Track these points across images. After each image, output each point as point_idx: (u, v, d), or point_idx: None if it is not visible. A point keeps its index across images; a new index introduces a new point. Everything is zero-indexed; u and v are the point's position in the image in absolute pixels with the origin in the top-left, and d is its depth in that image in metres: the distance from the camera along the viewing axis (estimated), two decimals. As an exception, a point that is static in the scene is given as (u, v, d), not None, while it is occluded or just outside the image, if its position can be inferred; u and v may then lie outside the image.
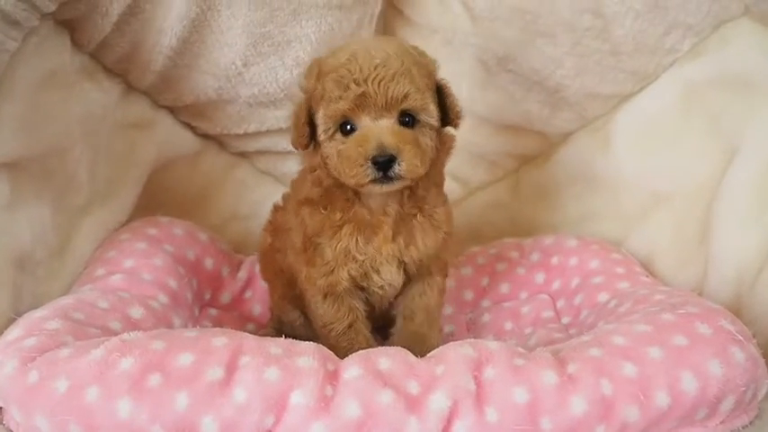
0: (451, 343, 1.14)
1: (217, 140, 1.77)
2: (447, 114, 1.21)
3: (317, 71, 1.18)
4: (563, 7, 1.51)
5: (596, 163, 1.74)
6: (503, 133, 1.80)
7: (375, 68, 1.11)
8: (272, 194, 1.82)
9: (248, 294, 1.62)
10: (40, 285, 1.33)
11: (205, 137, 1.75)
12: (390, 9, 1.69)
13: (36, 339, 1.09)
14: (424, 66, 1.18)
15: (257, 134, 1.73)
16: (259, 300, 1.60)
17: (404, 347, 1.14)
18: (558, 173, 1.81)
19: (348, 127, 1.15)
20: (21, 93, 1.26)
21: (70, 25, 1.37)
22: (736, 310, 1.35)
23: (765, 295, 1.38)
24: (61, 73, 1.36)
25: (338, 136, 1.16)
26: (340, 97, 1.12)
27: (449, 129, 1.24)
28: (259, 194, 1.82)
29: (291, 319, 1.44)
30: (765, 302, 1.37)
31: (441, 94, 1.19)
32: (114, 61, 1.48)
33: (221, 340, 1.06)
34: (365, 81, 1.11)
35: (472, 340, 1.13)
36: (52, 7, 1.25)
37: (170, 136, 1.67)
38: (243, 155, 1.82)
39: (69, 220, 1.42)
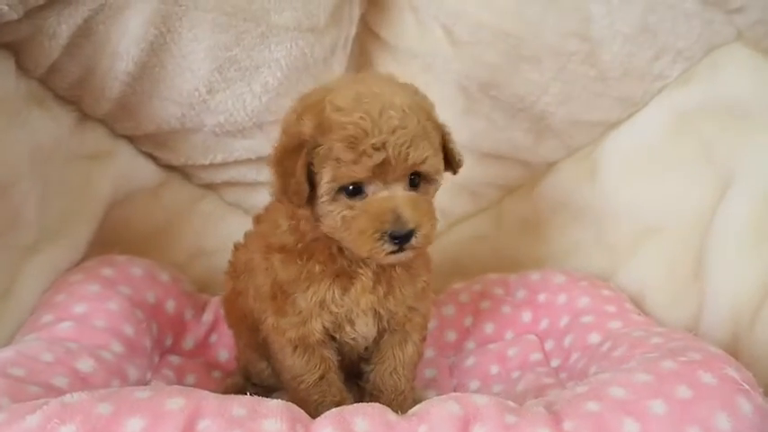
0: (434, 398, 1.03)
1: (181, 171, 1.66)
2: (448, 162, 1.11)
3: (316, 122, 1.02)
4: (548, 31, 1.44)
5: (582, 193, 1.66)
6: (485, 162, 1.71)
7: (394, 132, 0.99)
8: (241, 228, 1.68)
9: (213, 339, 1.50)
10: (-22, 333, 1.21)
11: (168, 167, 1.63)
12: (365, 32, 1.60)
13: (-33, 401, 0.97)
14: (431, 115, 1.07)
15: (224, 165, 1.62)
16: (225, 344, 1.48)
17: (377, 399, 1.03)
18: (543, 204, 1.73)
19: (351, 187, 1.03)
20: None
21: (14, 48, 1.26)
22: (734, 350, 1.28)
23: (765, 334, 1.30)
24: (5, 100, 1.25)
25: (342, 198, 1.03)
26: (354, 162, 0.99)
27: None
28: (226, 228, 1.70)
29: (258, 369, 1.32)
30: (766, 342, 1.29)
31: (443, 142, 1.09)
32: (66, 87, 1.37)
33: (177, 402, 0.94)
34: (384, 146, 0.99)
35: (457, 394, 1.03)
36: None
37: (130, 167, 1.55)
38: (209, 186, 1.70)
39: (13, 259, 1.30)
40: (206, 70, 1.39)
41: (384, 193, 1.02)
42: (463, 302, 1.55)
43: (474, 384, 1.39)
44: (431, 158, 1.03)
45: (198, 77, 1.40)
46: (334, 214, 1.04)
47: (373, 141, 0.99)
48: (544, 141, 1.65)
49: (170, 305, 1.45)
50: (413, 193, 1.04)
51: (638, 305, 1.49)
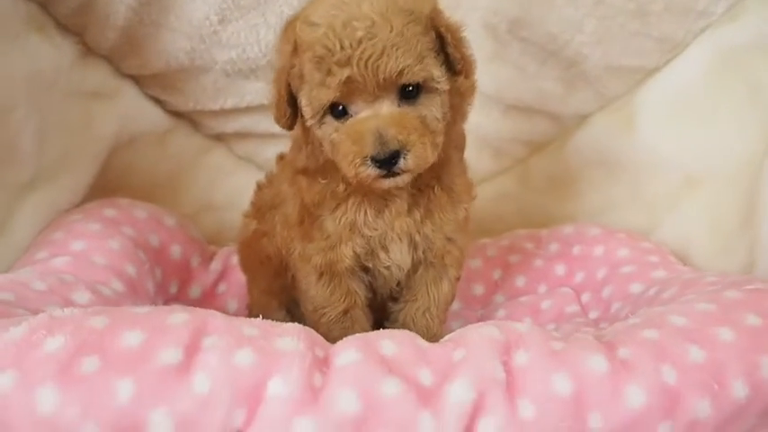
0: (470, 325, 0.92)
1: (189, 119, 1.56)
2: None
3: (293, 41, 0.95)
4: (586, -45, 1.33)
5: (618, 147, 1.55)
6: (511, 115, 1.60)
7: (359, 44, 0.88)
8: (253, 183, 1.61)
9: (222, 288, 1.40)
10: (-31, 269, 1.11)
11: (176, 114, 1.54)
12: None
13: (-52, 319, 0.86)
14: (419, 16, 0.92)
15: (235, 111, 1.52)
16: (234, 294, 1.38)
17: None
18: (574, 159, 1.62)
19: (340, 108, 0.93)
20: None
21: (11, -37, 1.17)
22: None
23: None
24: (1, 18, 1.15)
25: (329, 119, 0.95)
26: (322, 83, 0.91)
27: None
28: (237, 182, 1.61)
29: (275, 319, 1.20)
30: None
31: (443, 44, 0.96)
32: (68, 14, 1.27)
33: (180, 317, 0.83)
34: (348, 62, 0.88)
35: (496, 321, 0.92)
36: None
37: (135, 110, 1.46)
38: (219, 137, 1.61)
39: (10, 195, 1.20)
40: (219, -6, 1.30)
41: (366, 113, 0.92)
42: (491, 256, 1.45)
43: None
44: (412, 67, 0.90)
45: (209, 3, 1.31)
46: (325, 137, 0.95)
47: (336, 57, 0.89)
48: (576, 91, 1.54)
49: (175, 250, 1.35)
50: (400, 109, 0.92)
51: (682, 260, 1.38)
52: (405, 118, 0.92)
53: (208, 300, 1.37)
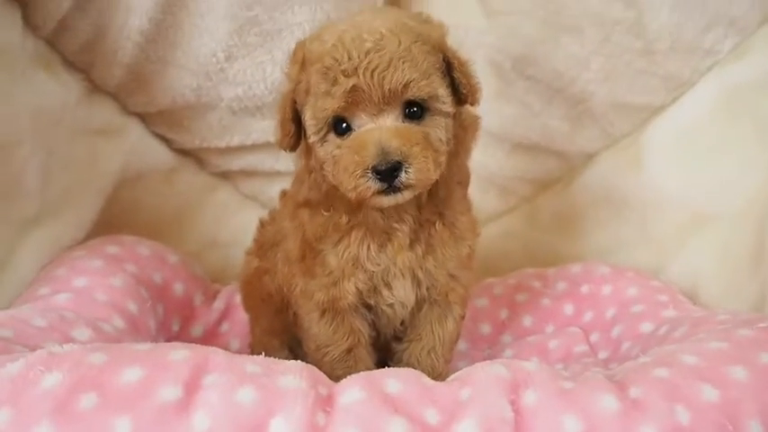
0: (477, 364, 0.90)
1: (195, 157, 1.56)
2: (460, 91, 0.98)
3: (301, 58, 0.97)
4: (591, -5, 1.34)
5: (625, 185, 1.54)
6: (517, 153, 1.60)
7: (367, 54, 0.89)
8: (256, 220, 1.61)
9: (224, 327, 1.38)
10: (-29, 304, 1.10)
11: (182, 152, 1.54)
12: (393, 2, 1.52)
13: (-55, 356, 0.84)
14: (428, 39, 0.94)
15: (241, 149, 1.53)
16: (237, 334, 1.36)
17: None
18: (581, 198, 1.61)
19: (344, 125, 0.93)
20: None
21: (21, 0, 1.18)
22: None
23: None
24: (9, 54, 1.17)
25: (331, 137, 0.94)
26: (328, 93, 0.91)
27: (469, 108, 1.03)
28: (242, 220, 1.60)
29: (279, 357, 1.18)
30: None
31: (449, 68, 0.96)
32: (76, 51, 1.29)
33: (181, 353, 0.81)
34: (355, 72, 0.89)
35: (503, 359, 0.90)
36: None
37: (141, 147, 1.46)
38: (224, 175, 1.61)
39: (13, 230, 1.20)
40: (225, 32, 1.31)
41: (370, 126, 0.92)
42: (497, 295, 1.42)
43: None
44: (417, 82, 0.90)
45: (216, 40, 1.32)
46: (327, 156, 0.95)
47: (343, 67, 0.89)
48: (582, 129, 1.53)
49: (178, 288, 1.33)
50: (406, 123, 0.92)
51: (691, 299, 1.36)
52: (408, 131, 0.91)
53: (210, 339, 1.35)
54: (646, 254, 1.50)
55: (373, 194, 0.91)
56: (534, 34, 1.40)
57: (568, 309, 1.38)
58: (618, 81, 1.44)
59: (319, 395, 0.79)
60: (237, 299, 1.39)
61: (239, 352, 1.31)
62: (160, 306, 1.27)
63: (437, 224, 1.02)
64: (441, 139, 0.94)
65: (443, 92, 0.94)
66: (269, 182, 1.62)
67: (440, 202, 1.02)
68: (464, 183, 1.08)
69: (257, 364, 0.83)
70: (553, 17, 1.36)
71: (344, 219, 1.00)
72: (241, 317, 1.35)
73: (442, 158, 0.94)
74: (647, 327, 1.22)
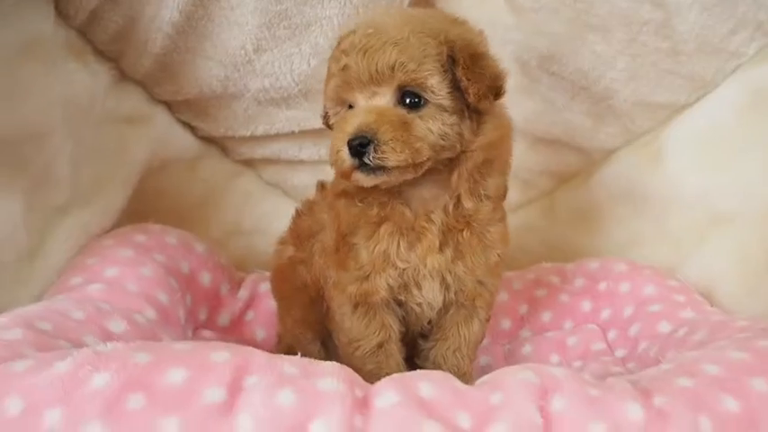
0: (505, 368, 0.92)
1: (219, 145, 1.58)
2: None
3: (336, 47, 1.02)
4: (620, -6, 1.34)
5: (645, 182, 1.55)
6: (539, 148, 1.61)
7: (366, 38, 0.95)
8: (281, 208, 1.63)
9: (250, 316, 1.40)
10: (4, 293, 1.12)
11: (206, 140, 1.56)
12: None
13: (-12, 351, 0.87)
14: (436, 34, 0.95)
15: (265, 138, 1.54)
16: (263, 323, 1.38)
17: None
18: (600, 193, 1.62)
19: (350, 107, 0.99)
20: (-5, 58, 1.07)
21: (55, -10, 1.19)
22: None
23: None
24: (43, 44, 1.17)
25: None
26: (333, 73, 0.99)
27: (502, 111, 1.05)
28: (265, 208, 1.63)
29: (308, 350, 1.21)
30: None
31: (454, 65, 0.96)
32: (106, 41, 1.29)
33: (222, 355, 0.84)
34: (350, 51, 0.95)
35: (531, 364, 0.92)
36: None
37: (167, 135, 1.47)
38: (248, 163, 1.62)
39: (44, 219, 1.21)
40: (254, 25, 1.31)
41: (362, 105, 0.97)
42: (517, 290, 1.45)
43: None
44: (405, 66, 0.93)
45: (245, 33, 1.32)
46: None
47: (343, 48, 0.96)
48: (604, 126, 1.55)
49: (205, 277, 1.35)
50: (394, 108, 0.95)
51: (707, 299, 1.37)
52: (388, 112, 0.94)
53: (236, 327, 1.38)
54: (663, 251, 1.51)
55: (351, 170, 0.95)
56: (561, 32, 1.39)
57: (586, 305, 1.40)
58: (642, 80, 1.44)
59: (356, 397, 0.82)
60: (262, 287, 1.42)
61: (265, 341, 1.36)
62: (188, 295, 1.29)
63: (465, 232, 1.04)
64: (431, 130, 0.95)
65: (437, 83, 0.95)
66: (292, 169, 1.64)
67: (466, 213, 1.04)
68: (495, 198, 1.07)
69: (294, 365, 0.86)
70: (581, 16, 1.36)
71: (375, 210, 1.02)
72: (266, 306, 1.38)
73: (425, 146, 0.94)
74: (664, 327, 1.24)
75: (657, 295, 1.33)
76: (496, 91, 0.99)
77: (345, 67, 0.95)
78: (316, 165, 1.60)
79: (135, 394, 0.77)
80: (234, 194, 1.61)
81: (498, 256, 1.08)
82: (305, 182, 1.63)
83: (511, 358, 1.33)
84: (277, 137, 1.54)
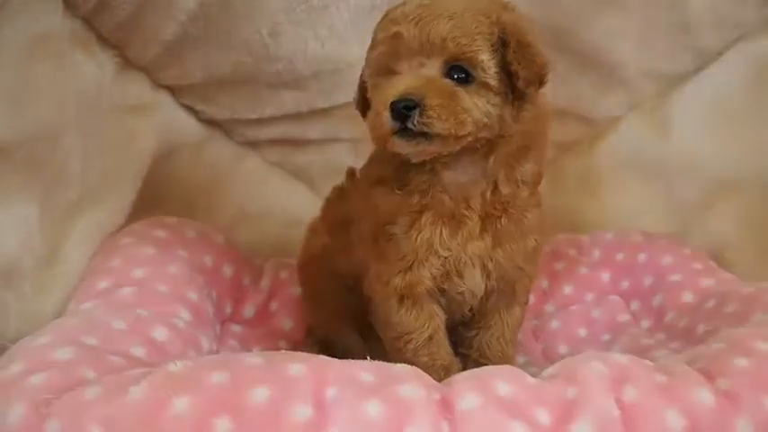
0: (570, 358, 0.93)
1: (222, 127, 1.52)
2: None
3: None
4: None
5: (650, 149, 1.57)
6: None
7: (420, 8, 0.93)
8: (284, 190, 1.59)
9: (274, 306, 1.37)
10: (28, 303, 1.07)
11: (210, 123, 1.50)
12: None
13: (45, 375, 0.83)
14: (489, 13, 0.94)
15: (271, 119, 1.49)
16: (288, 312, 1.36)
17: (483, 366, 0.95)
18: (604, 161, 1.63)
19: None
20: (7, 58, 0.99)
21: (62, -20, 1.10)
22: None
23: None
24: (52, 39, 1.10)
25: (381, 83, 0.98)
26: (380, 41, 0.97)
27: (543, 100, 1.03)
28: (269, 190, 1.59)
29: (347, 342, 1.19)
30: None
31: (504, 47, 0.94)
32: (113, 29, 1.21)
33: (298, 368, 0.82)
34: (402, 21, 0.94)
35: (594, 353, 0.93)
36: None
37: (171, 121, 1.41)
38: (251, 144, 1.57)
39: (58, 221, 1.15)
40: (273, 9, 1.26)
41: (408, 73, 0.95)
42: (536, 264, 1.46)
43: (563, 348, 1.31)
44: (458, 39, 0.92)
45: (264, 17, 1.26)
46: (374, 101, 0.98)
47: (393, 17, 0.95)
48: (610, 95, 1.55)
49: (227, 270, 1.32)
50: (442, 79, 0.93)
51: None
52: (438, 81, 0.93)
53: (262, 319, 1.34)
54: (670, 219, 1.54)
55: (390, 135, 0.92)
56: (577, 7, 1.38)
57: (605, 276, 1.43)
58: (652, 52, 1.44)
59: (437, 402, 0.82)
60: (282, 275, 1.39)
61: (292, 330, 1.34)
62: (213, 290, 1.26)
63: (502, 219, 1.03)
64: (477, 105, 0.94)
65: (486, 60, 0.93)
66: (294, 149, 1.60)
67: (503, 199, 1.03)
68: (530, 184, 1.06)
69: (368, 371, 0.84)
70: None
71: (416, 198, 1.01)
72: (288, 294, 1.36)
73: (470, 120, 0.93)
74: (688, 296, 1.28)
75: (675, 265, 1.36)
76: (542, 79, 0.98)
77: (396, 35, 0.93)
78: (322, 144, 1.56)
79: (220, 418, 0.75)
80: (238, 177, 1.56)
81: (536, 241, 1.08)
82: (308, 162, 1.60)
83: (540, 334, 1.35)
84: (283, 118, 1.49)
